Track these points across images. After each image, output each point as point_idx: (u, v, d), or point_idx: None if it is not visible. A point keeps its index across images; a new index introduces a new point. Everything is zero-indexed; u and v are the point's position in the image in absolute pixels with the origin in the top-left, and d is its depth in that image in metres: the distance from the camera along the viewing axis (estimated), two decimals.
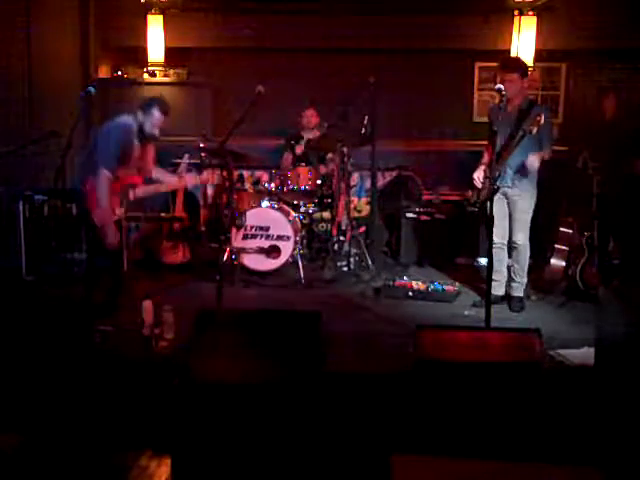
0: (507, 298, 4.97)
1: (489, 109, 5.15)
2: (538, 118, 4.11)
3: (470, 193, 4.98)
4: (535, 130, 4.16)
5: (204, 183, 5.16)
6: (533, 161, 4.56)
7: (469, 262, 6.32)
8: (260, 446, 2.73)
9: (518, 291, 4.91)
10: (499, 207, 4.68)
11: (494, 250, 4.19)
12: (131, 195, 4.54)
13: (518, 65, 4.74)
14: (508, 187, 4.69)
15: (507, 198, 4.75)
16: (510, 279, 4.92)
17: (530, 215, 4.77)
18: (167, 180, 4.97)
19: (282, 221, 5.72)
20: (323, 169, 6.25)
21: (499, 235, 4.73)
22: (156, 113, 4.53)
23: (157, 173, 4.91)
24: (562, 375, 3.74)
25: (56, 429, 3.15)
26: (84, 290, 4.43)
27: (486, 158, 4.91)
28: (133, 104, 7.08)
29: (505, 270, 4.97)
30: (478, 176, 4.86)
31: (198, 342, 3.04)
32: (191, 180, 5.19)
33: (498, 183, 4.30)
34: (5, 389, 3.37)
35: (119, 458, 2.99)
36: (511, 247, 4.83)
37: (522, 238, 4.76)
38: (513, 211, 4.77)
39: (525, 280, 4.90)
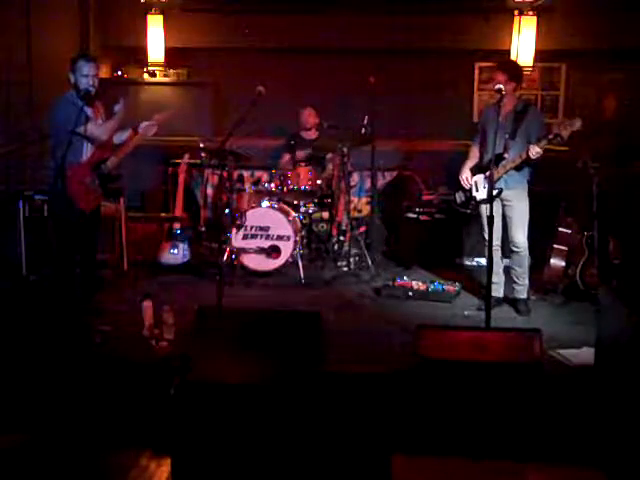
0: (511, 301, 4.96)
1: (483, 109, 5.11)
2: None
3: (457, 194, 4.97)
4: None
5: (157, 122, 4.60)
6: (534, 151, 4.39)
7: (466, 262, 6.31)
8: (260, 446, 2.73)
9: (522, 294, 4.88)
10: (495, 209, 4.67)
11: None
12: (104, 169, 4.41)
13: (508, 67, 4.69)
14: (502, 188, 4.64)
15: (501, 200, 4.71)
16: (513, 282, 4.90)
17: (528, 215, 4.74)
18: (124, 136, 4.59)
19: (282, 221, 5.72)
20: (328, 171, 6.24)
21: (495, 237, 4.71)
22: (81, 64, 4.32)
23: (116, 135, 4.59)
24: (562, 375, 3.74)
25: (56, 429, 3.15)
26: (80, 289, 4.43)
27: (473, 158, 4.90)
28: (133, 104, 7.16)
29: (502, 272, 4.97)
30: (467, 177, 4.85)
31: (198, 342, 3.05)
32: (146, 129, 4.58)
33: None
34: (6, 389, 3.37)
35: (119, 458, 2.99)
36: (511, 250, 4.80)
37: (522, 239, 4.73)
38: (511, 213, 4.73)
39: (527, 282, 4.87)
